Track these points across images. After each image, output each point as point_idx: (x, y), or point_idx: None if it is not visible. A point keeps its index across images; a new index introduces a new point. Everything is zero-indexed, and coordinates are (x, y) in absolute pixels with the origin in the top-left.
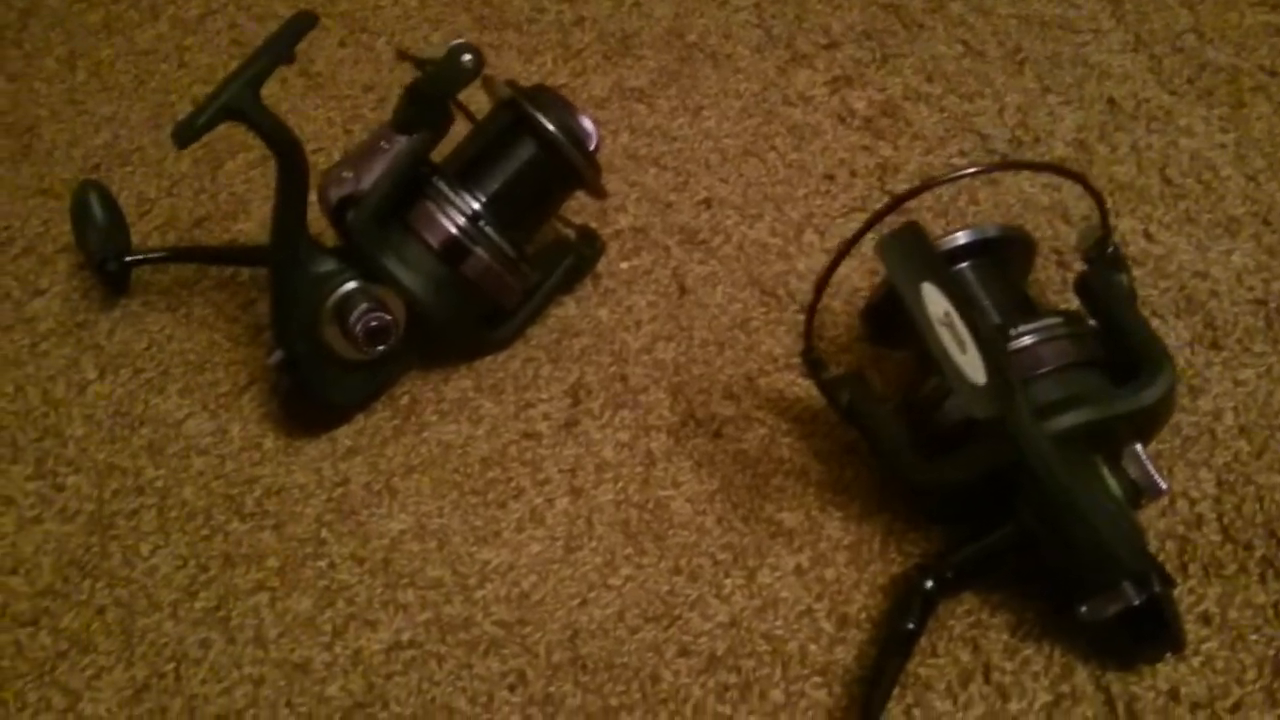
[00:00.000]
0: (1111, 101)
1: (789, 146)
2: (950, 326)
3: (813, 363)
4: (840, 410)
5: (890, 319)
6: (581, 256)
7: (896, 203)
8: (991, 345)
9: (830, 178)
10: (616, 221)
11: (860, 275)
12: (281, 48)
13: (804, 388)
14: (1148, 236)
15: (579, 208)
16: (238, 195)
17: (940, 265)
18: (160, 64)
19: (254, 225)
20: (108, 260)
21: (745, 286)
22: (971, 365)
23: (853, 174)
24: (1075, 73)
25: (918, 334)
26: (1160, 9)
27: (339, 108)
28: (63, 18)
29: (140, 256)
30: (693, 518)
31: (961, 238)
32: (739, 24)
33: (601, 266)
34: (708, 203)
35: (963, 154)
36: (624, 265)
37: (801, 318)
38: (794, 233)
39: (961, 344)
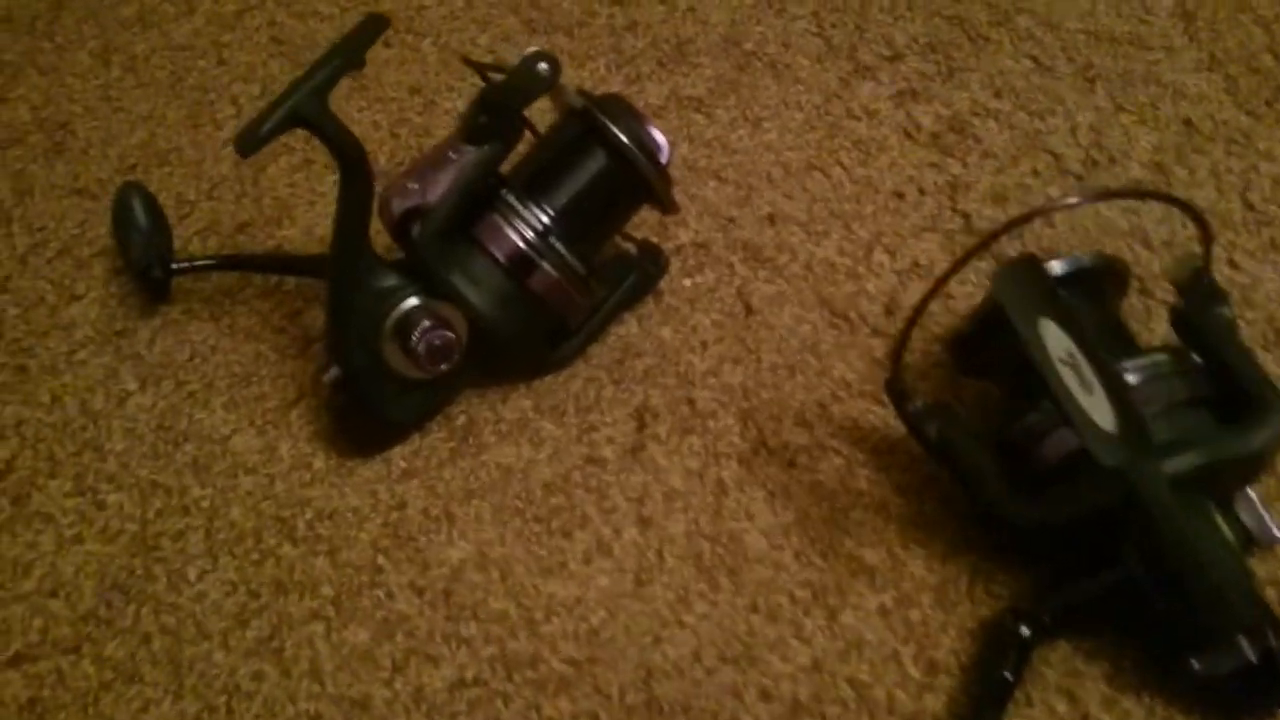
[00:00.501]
0: (1188, 122)
1: (854, 161)
2: (1074, 367)
3: (898, 393)
4: (927, 444)
5: (981, 349)
6: (645, 273)
7: (1000, 232)
8: (1122, 390)
9: (899, 195)
10: (677, 236)
11: (936, 299)
12: (353, 52)
13: (880, 416)
14: (1232, 265)
15: (638, 221)
16: (281, 200)
17: (1061, 301)
18: (198, 60)
19: (298, 232)
20: (152, 267)
21: (814, 307)
22: (1098, 409)
23: (922, 191)
24: (1148, 91)
25: (1033, 371)
26: (1234, 27)
27: (384, 110)
28: (95, 10)
29: (187, 263)
30: (769, 552)
31: (1057, 267)
32: (797, 33)
33: (663, 283)
34: (771, 218)
35: (1035, 174)
36: (686, 282)
37: (875, 342)
38: (863, 252)
39: (1086, 386)
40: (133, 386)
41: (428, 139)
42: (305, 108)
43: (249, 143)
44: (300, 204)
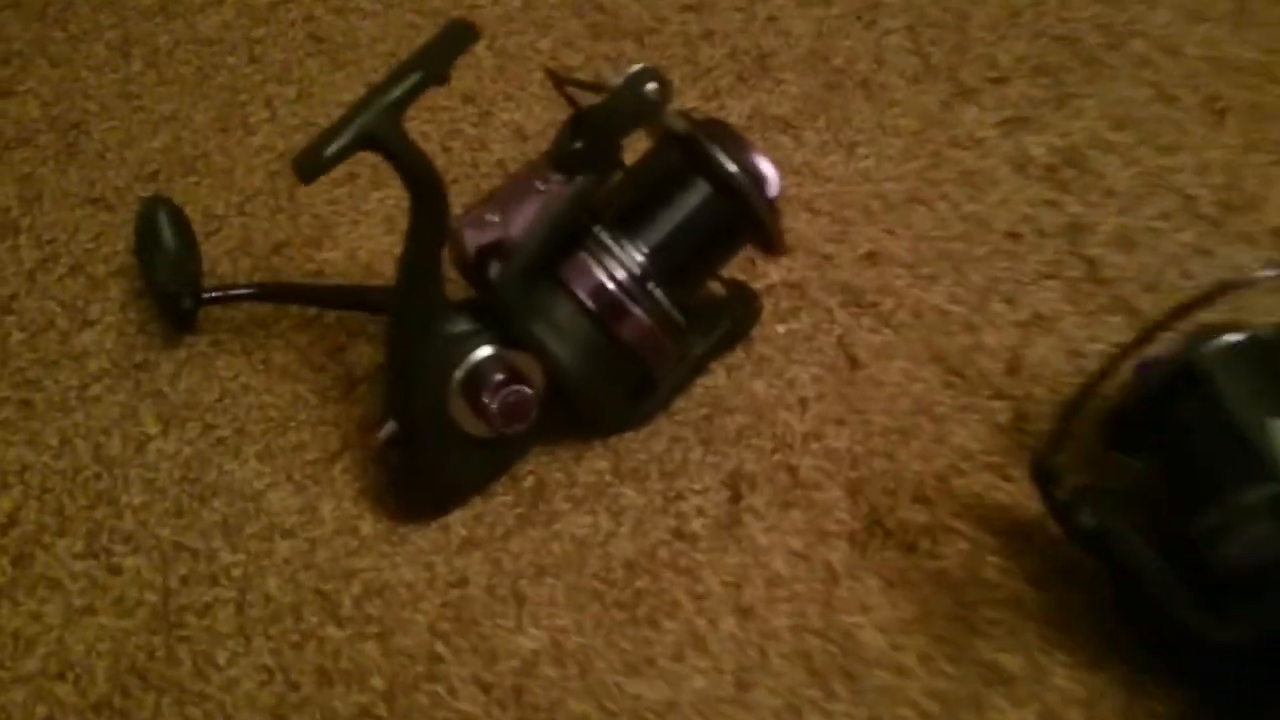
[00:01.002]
0: None
1: (962, 196)
2: None
3: (1046, 476)
4: (1079, 537)
5: (1144, 428)
6: (737, 318)
7: (1178, 315)
8: None
9: (1014, 235)
10: (767, 274)
11: (1061, 356)
12: (436, 64)
13: (1008, 493)
14: None
15: None
16: (321, 218)
17: None
18: (226, 56)
19: (340, 255)
20: (181, 295)
21: (926, 362)
22: None
23: (1040, 233)
24: None
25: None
26: None
27: (434, 120)
28: None
29: (220, 292)
30: (888, 653)
31: (1229, 338)
32: (891, 49)
33: (754, 329)
34: (872, 257)
35: (1165, 217)
36: (780, 329)
37: (997, 405)
38: (978, 299)
39: None
40: (153, 429)
41: (483, 153)
42: (378, 128)
43: (312, 166)
44: (343, 223)
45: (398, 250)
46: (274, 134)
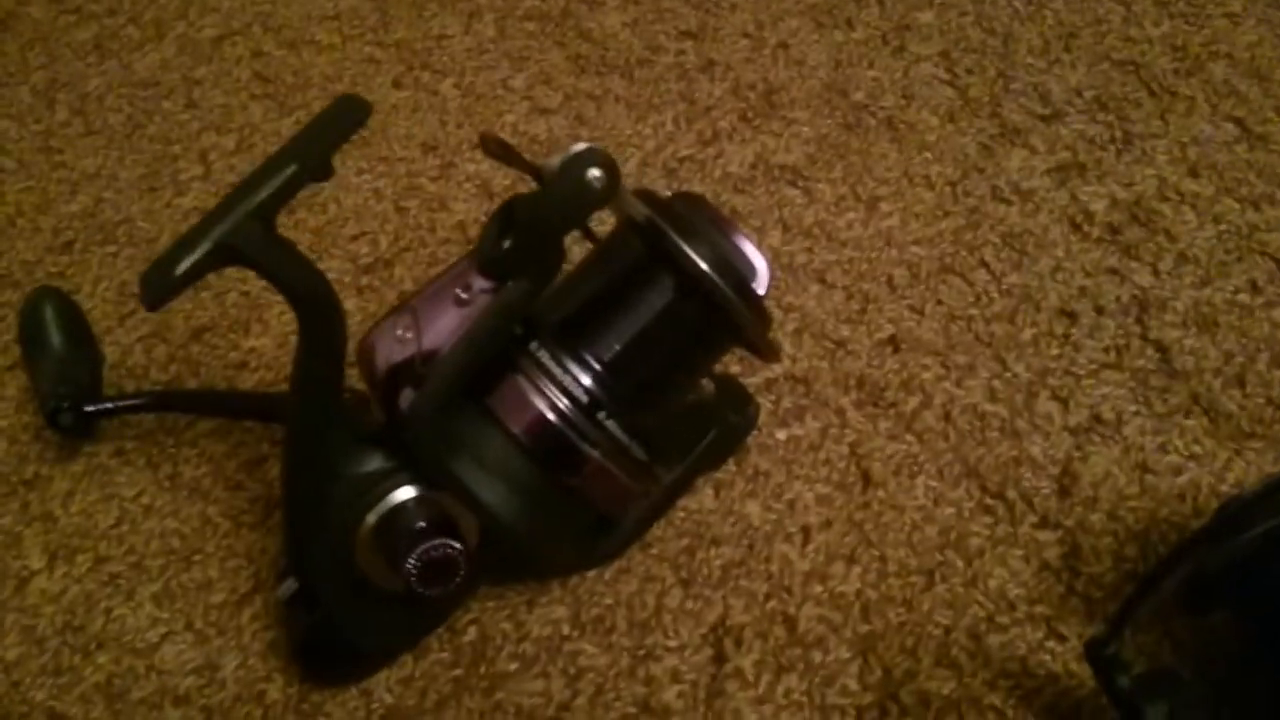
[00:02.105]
0: None
1: (1005, 264)
2: None
3: (1108, 662)
4: None
5: (1227, 588)
6: (727, 426)
7: None
8: None
9: (1069, 315)
10: (768, 367)
11: (1125, 472)
12: (312, 156)
13: (1057, 655)
14: None
15: None
16: (252, 297)
17: None
18: (162, 101)
19: (270, 342)
20: (60, 411)
21: (958, 480)
22: None
23: (1099, 310)
24: None
25: None
26: None
27: (389, 174)
28: (46, 33)
29: (107, 405)
30: None
31: None
32: (922, 80)
33: (750, 437)
34: (894, 343)
35: (1253, 288)
36: (781, 435)
37: (1045, 536)
38: (1023, 398)
39: None
40: (38, 563)
41: (442, 213)
42: (240, 238)
43: (159, 288)
44: (275, 304)
45: None
46: (206, 193)
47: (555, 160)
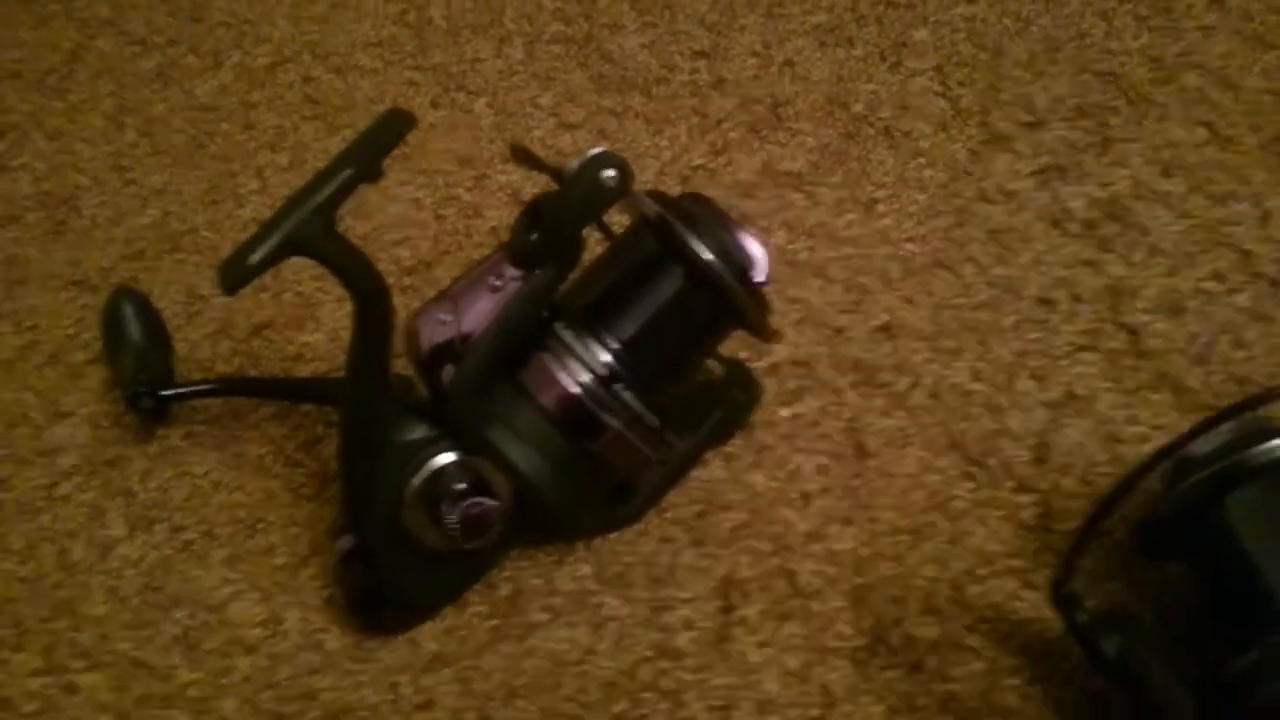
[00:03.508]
0: None
1: (990, 257)
2: None
3: (1067, 601)
4: (1103, 665)
5: (1177, 537)
6: (733, 404)
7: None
8: None
9: (1047, 302)
10: (773, 352)
11: (1096, 442)
12: (365, 160)
13: (1032, 602)
14: None
15: None
16: (306, 296)
17: None
18: (221, 123)
19: (324, 337)
20: (140, 395)
21: (944, 451)
22: None
23: (1076, 298)
24: None
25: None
26: None
27: (429, 185)
28: (113, 63)
29: (181, 390)
30: None
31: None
32: (917, 92)
33: (755, 414)
34: (888, 330)
35: (1218, 277)
36: (784, 413)
37: (1022, 499)
38: (1004, 377)
39: None
40: (120, 532)
41: (477, 220)
42: (305, 232)
43: (236, 275)
44: (328, 302)
45: None
46: (263, 205)
47: (574, 163)
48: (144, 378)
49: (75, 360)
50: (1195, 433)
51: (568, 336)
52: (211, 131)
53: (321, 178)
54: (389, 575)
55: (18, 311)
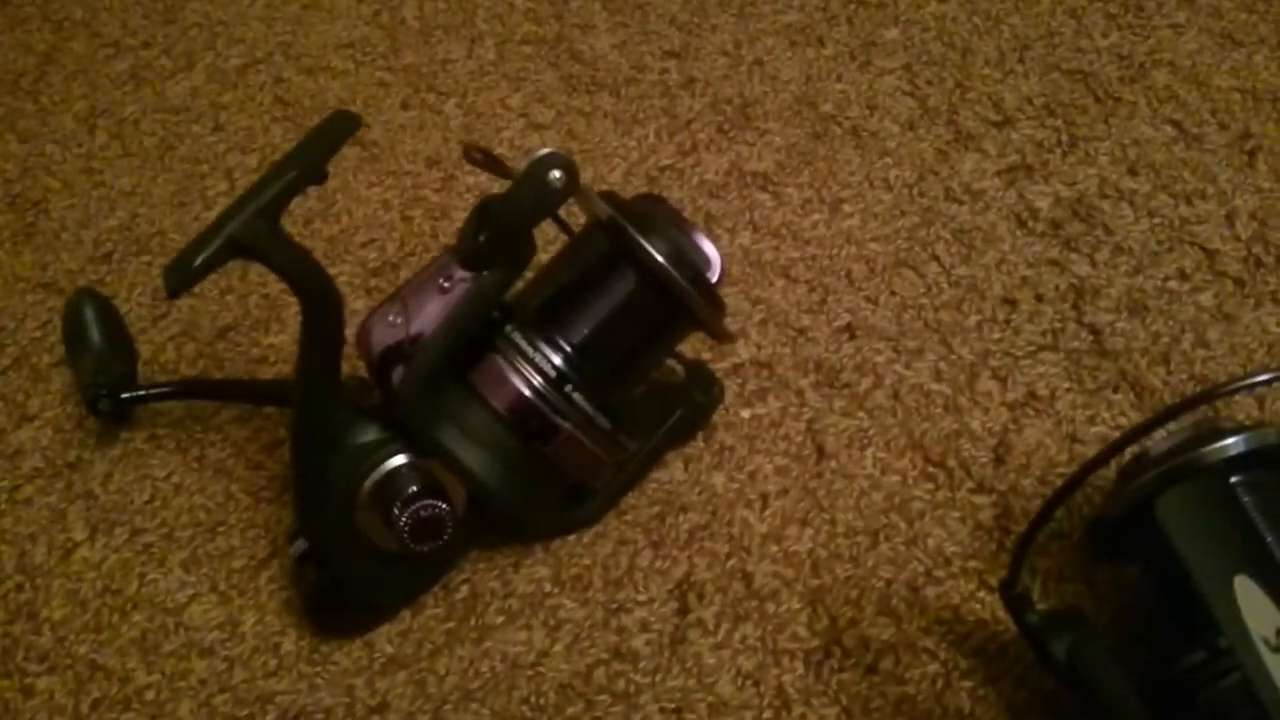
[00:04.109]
0: None
1: (955, 257)
2: None
3: (1016, 601)
4: (1052, 666)
5: (1131, 538)
6: (694, 405)
7: (1153, 425)
8: None
9: (1010, 302)
10: (735, 353)
11: (1055, 442)
12: (310, 162)
13: (988, 605)
14: None
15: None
16: (271, 298)
17: (1270, 549)
18: (192, 125)
19: (288, 339)
20: (100, 398)
21: (904, 451)
22: None
23: (1039, 298)
24: None
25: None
26: None
27: (397, 186)
28: (86, 66)
29: (141, 392)
30: None
31: (1234, 445)
32: (885, 91)
33: (716, 414)
34: (850, 330)
35: (1182, 276)
36: (745, 414)
37: (981, 500)
38: (965, 377)
39: None
40: (80, 535)
41: (444, 222)
42: (247, 234)
43: (179, 279)
44: (292, 304)
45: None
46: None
47: (523, 163)
48: (103, 380)
49: (41, 363)
50: (1137, 432)
51: (519, 338)
52: (182, 133)
53: (266, 180)
54: (344, 577)
55: None
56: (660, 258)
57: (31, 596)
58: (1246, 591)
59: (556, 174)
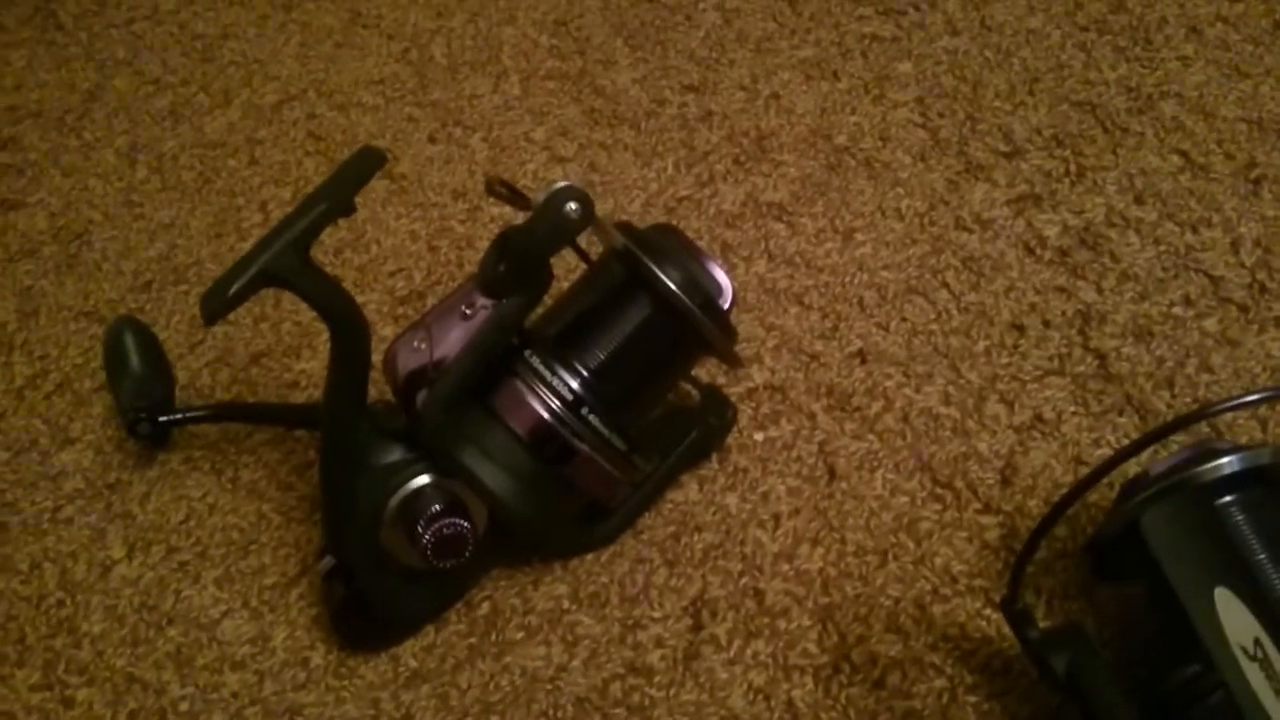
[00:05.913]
0: None
1: (964, 285)
2: (1263, 662)
3: (1017, 616)
4: (1053, 681)
5: (1125, 556)
6: (708, 428)
7: (1149, 442)
8: None
9: (1018, 328)
10: (749, 377)
11: (1061, 464)
12: (339, 196)
13: (993, 622)
14: None
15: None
16: (303, 326)
17: (1250, 561)
18: (228, 159)
19: (319, 365)
20: (139, 421)
21: (913, 473)
22: None
23: (1046, 324)
24: None
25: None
26: None
27: (424, 218)
28: (128, 103)
29: (178, 415)
30: None
31: (1228, 465)
32: (898, 124)
33: (730, 437)
34: (862, 356)
35: (1188, 302)
36: (758, 436)
37: (987, 520)
38: (974, 401)
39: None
40: (119, 553)
41: (469, 251)
42: (278, 265)
43: (215, 307)
44: (322, 331)
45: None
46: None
47: (540, 196)
48: (142, 404)
49: (83, 388)
50: (1131, 451)
51: (538, 363)
52: (219, 167)
53: (296, 213)
54: (370, 593)
55: (29, 341)
56: (673, 285)
57: (72, 612)
58: (1227, 603)
59: (573, 206)
